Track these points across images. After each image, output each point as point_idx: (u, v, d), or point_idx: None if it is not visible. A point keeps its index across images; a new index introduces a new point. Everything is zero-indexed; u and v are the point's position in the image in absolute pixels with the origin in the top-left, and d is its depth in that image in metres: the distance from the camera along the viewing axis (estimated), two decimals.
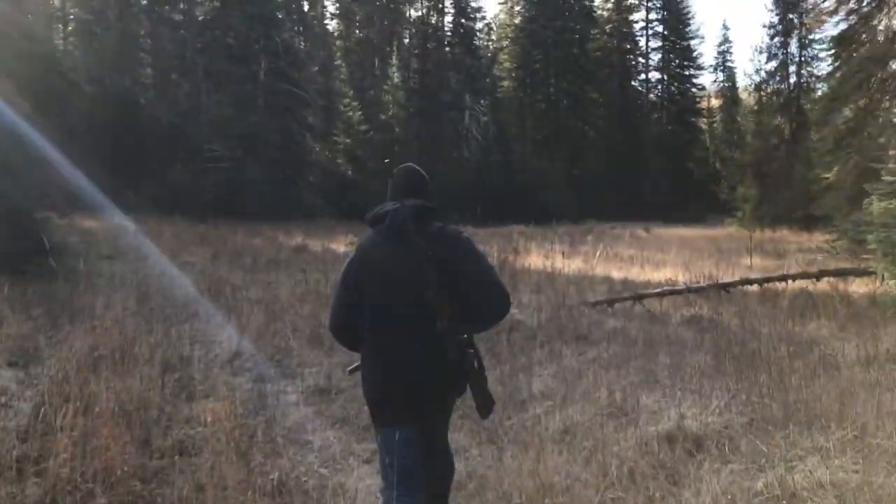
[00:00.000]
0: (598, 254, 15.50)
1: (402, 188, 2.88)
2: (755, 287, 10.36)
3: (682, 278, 12.71)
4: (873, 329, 7.86)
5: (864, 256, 16.11)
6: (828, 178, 20.85)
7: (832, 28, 19.11)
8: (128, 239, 16.54)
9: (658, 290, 9.52)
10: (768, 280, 9.87)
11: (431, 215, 2.79)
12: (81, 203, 24.88)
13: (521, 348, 6.59)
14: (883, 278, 9.52)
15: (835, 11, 17.57)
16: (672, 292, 9.34)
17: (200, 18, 33.12)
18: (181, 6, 33.10)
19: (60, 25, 31.77)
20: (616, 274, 13.81)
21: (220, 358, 6.08)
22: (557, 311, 8.26)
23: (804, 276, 9.92)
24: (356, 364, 2.93)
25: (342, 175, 39.16)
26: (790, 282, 9.92)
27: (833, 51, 18.27)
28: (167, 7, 33.35)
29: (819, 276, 9.94)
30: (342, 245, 14.49)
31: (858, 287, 10.42)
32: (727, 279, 11.49)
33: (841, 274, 10.18)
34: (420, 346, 2.67)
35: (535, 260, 14.24)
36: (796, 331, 7.49)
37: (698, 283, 10.71)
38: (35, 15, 27.37)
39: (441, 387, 2.73)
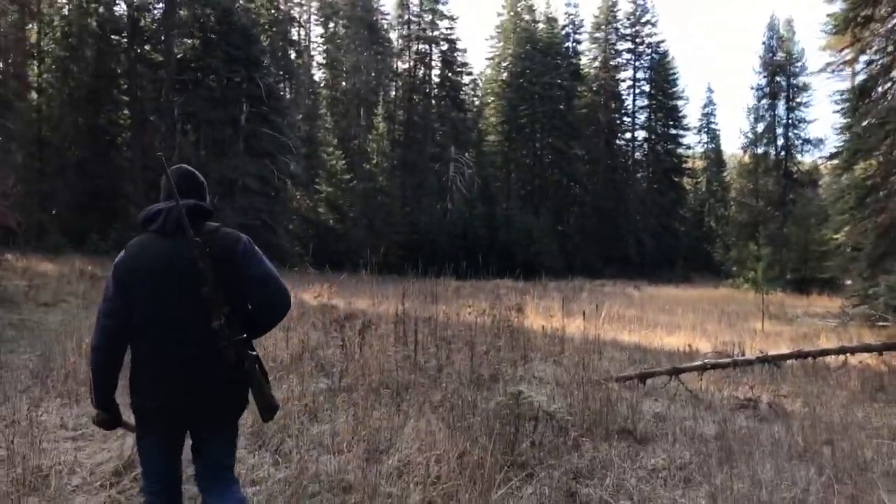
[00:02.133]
0: (603, 315, 14.06)
1: (178, 189, 2.59)
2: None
3: (703, 346, 11.28)
4: None
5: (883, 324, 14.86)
6: (837, 240, 19.74)
7: (838, 82, 18.34)
8: (77, 285, 14.79)
9: (698, 362, 7.98)
10: (825, 353, 8.37)
11: (208, 215, 2.68)
12: (42, 244, 23.20)
13: (551, 451, 4.84)
14: None
15: (854, 60, 16.75)
16: (715, 366, 7.80)
17: (179, 57, 31.85)
18: (160, 46, 31.79)
19: (36, 62, 30.28)
20: (627, 338, 12.41)
21: None
22: (585, 389, 6.66)
23: (866, 349, 8.45)
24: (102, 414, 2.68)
25: (323, 224, 37.79)
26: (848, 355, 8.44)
27: (846, 105, 17.28)
28: (147, 46, 32.06)
29: (883, 349, 8.47)
30: (313, 297, 12.72)
31: None
32: (757, 349, 10.07)
33: None
34: (195, 346, 2.53)
35: (535, 320, 12.72)
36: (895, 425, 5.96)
37: (733, 353, 9.23)
38: (10, 50, 26.05)
39: (218, 390, 2.57)
